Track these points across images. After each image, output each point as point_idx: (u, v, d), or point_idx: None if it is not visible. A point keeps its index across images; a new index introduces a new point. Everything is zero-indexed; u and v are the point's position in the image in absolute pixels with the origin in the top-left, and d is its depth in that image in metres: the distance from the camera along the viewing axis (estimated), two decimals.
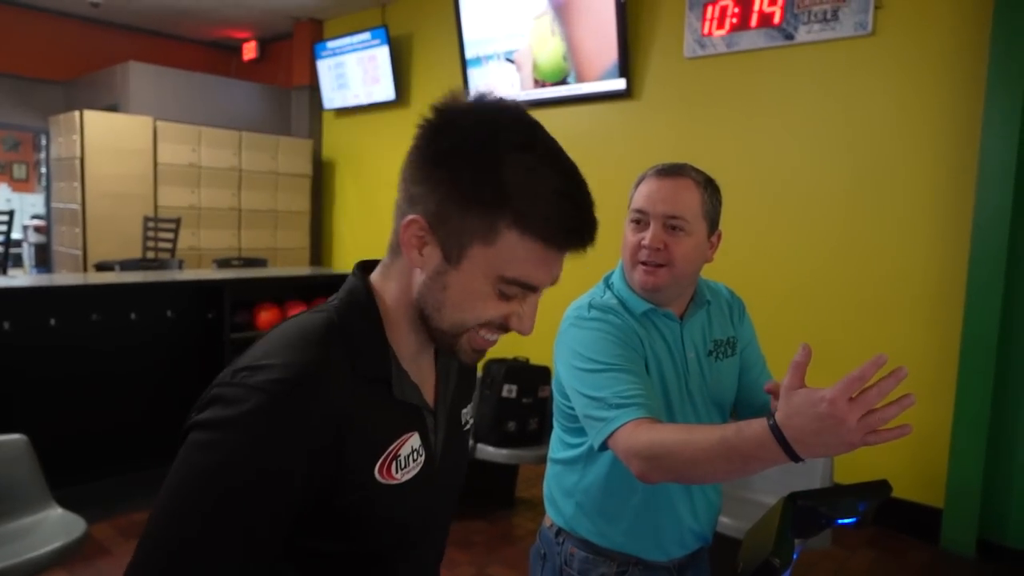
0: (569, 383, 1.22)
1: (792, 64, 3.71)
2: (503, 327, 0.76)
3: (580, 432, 1.28)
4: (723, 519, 2.48)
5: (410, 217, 0.73)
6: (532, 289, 0.74)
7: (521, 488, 3.61)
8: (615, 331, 1.23)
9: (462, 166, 0.70)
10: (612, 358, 1.18)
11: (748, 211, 3.79)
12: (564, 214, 0.71)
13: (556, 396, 1.35)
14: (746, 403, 1.41)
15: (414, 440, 0.79)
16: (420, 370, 0.82)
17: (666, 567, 1.34)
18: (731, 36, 3.87)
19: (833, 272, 3.60)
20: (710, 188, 1.27)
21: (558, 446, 1.37)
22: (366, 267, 0.83)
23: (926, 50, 3.30)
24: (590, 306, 1.28)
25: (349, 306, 0.78)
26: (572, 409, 1.26)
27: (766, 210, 3.81)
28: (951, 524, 3.20)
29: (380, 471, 0.75)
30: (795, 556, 1.22)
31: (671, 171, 1.26)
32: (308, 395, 0.68)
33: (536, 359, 3.54)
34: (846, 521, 1.31)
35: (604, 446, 1.13)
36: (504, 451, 3.25)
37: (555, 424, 1.38)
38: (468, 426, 0.96)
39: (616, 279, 1.34)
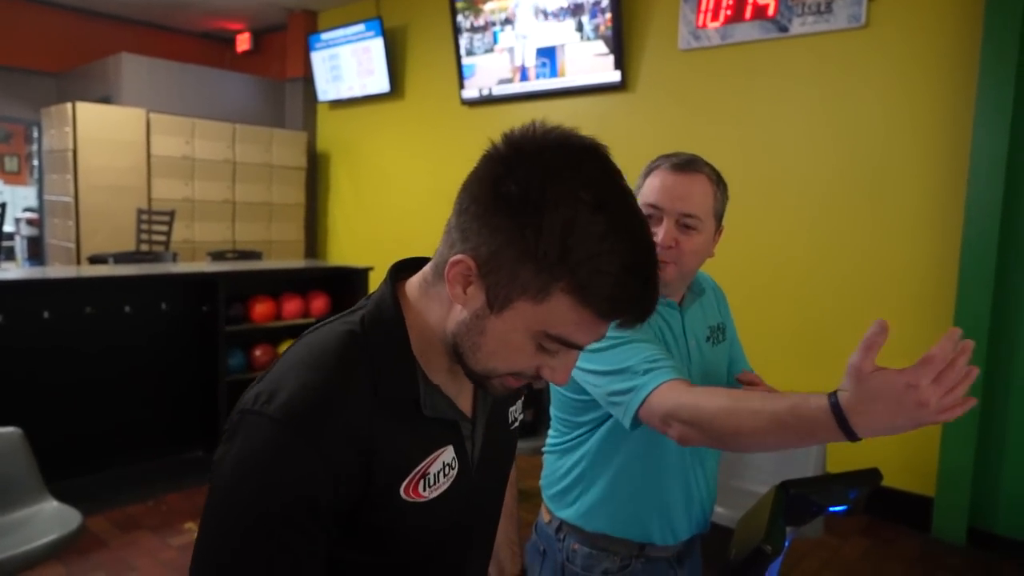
0: (583, 367, 1.18)
1: (786, 56, 3.72)
2: (535, 376, 0.74)
3: (581, 416, 1.27)
4: (716, 508, 2.50)
5: (458, 256, 0.69)
6: (574, 347, 0.71)
7: (516, 478, 3.62)
8: (627, 334, 1.20)
9: (527, 220, 0.65)
10: (628, 332, 1.14)
11: (741, 203, 3.79)
12: (627, 292, 0.66)
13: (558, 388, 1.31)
14: None
15: (446, 455, 0.78)
16: (456, 379, 0.79)
17: (667, 559, 1.34)
18: (725, 28, 3.87)
19: (825, 263, 3.61)
20: (721, 185, 1.27)
21: (556, 439, 1.36)
22: (402, 268, 0.81)
23: (919, 42, 3.31)
24: None
25: (375, 321, 0.75)
26: (578, 396, 1.25)
27: (759, 202, 3.82)
28: (942, 512, 3.23)
29: (407, 491, 0.74)
30: (787, 544, 1.23)
31: (686, 166, 1.23)
32: (323, 421, 0.68)
33: None
34: (837, 509, 1.32)
35: (637, 420, 1.08)
36: None
37: (553, 418, 1.36)
38: (516, 423, 0.93)
39: None
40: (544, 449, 1.40)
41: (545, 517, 1.37)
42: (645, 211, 1.21)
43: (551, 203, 0.64)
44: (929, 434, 3.27)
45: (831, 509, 1.33)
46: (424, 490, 0.75)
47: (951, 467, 3.19)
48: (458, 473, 0.79)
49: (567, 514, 1.31)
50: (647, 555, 1.31)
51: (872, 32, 3.42)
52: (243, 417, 0.69)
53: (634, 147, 4.37)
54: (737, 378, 1.20)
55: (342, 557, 0.75)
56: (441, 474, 0.77)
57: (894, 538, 3.25)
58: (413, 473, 0.74)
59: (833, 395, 0.84)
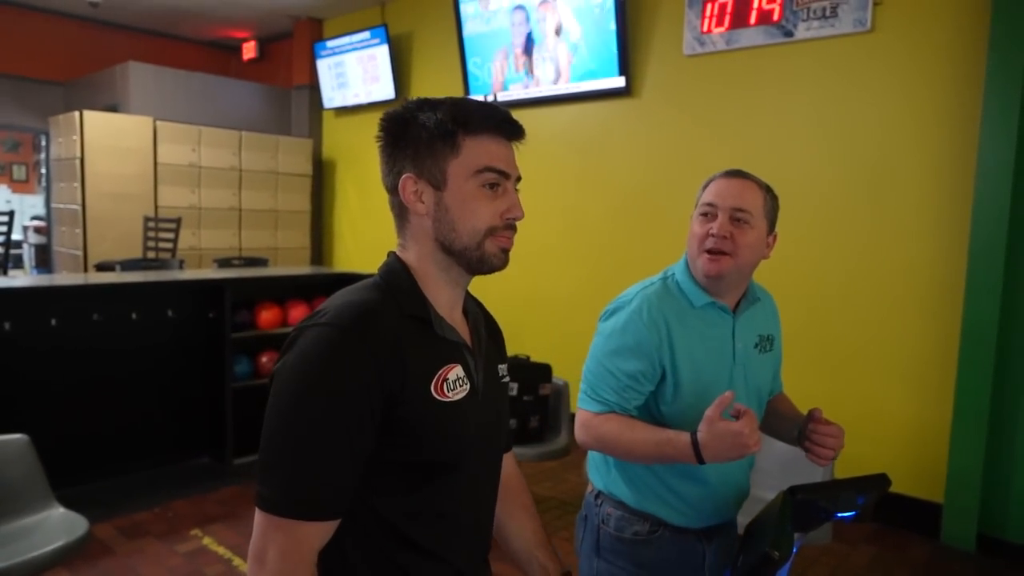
0: (596, 345, 1.44)
1: (791, 61, 3.72)
2: (508, 224, 0.97)
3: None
4: None
5: (403, 176, 0.96)
6: (503, 174, 0.96)
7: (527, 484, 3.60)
8: (632, 337, 1.37)
9: (424, 123, 0.95)
10: (608, 355, 1.39)
11: None
12: (493, 113, 0.96)
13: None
14: None
15: (458, 370, 0.97)
16: (454, 319, 1.01)
17: (694, 531, 1.43)
18: (730, 33, 3.88)
19: (833, 268, 3.60)
20: (770, 193, 1.43)
21: None
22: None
23: (925, 46, 3.30)
24: (642, 291, 1.42)
25: (389, 272, 0.99)
26: None
27: None
28: (951, 519, 3.20)
29: (435, 389, 0.93)
30: (794, 550, 1.23)
31: (737, 173, 1.42)
32: (367, 323, 0.89)
33: (537, 357, 3.54)
34: (845, 515, 1.31)
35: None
36: None
37: None
38: (505, 380, 1.12)
39: (679, 273, 1.45)
40: None
41: (588, 487, 1.54)
42: (702, 210, 1.40)
43: (412, 109, 0.97)
44: (938, 440, 3.24)
45: (839, 515, 1.32)
46: (448, 391, 0.94)
47: (960, 472, 3.16)
48: (469, 389, 0.98)
49: (603, 483, 1.48)
50: (673, 526, 1.42)
51: (878, 37, 3.42)
52: (299, 332, 0.89)
53: (639, 152, 4.39)
54: (815, 417, 1.42)
55: (381, 457, 0.90)
56: (457, 383, 0.96)
57: (903, 544, 3.23)
58: (437, 376, 0.94)
59: (694, 434, 1.24)
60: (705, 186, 1.44)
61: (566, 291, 4.75)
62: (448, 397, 0.94)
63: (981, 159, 3.08)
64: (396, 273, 0.98)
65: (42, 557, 2.04)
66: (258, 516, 0.86)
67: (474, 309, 1.09)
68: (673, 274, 1.45)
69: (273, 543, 0.84)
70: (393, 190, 0.98)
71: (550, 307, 4.83)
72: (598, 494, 1.49)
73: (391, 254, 1.02)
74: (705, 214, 1.39)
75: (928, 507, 3.28)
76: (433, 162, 0.94)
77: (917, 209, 3.34)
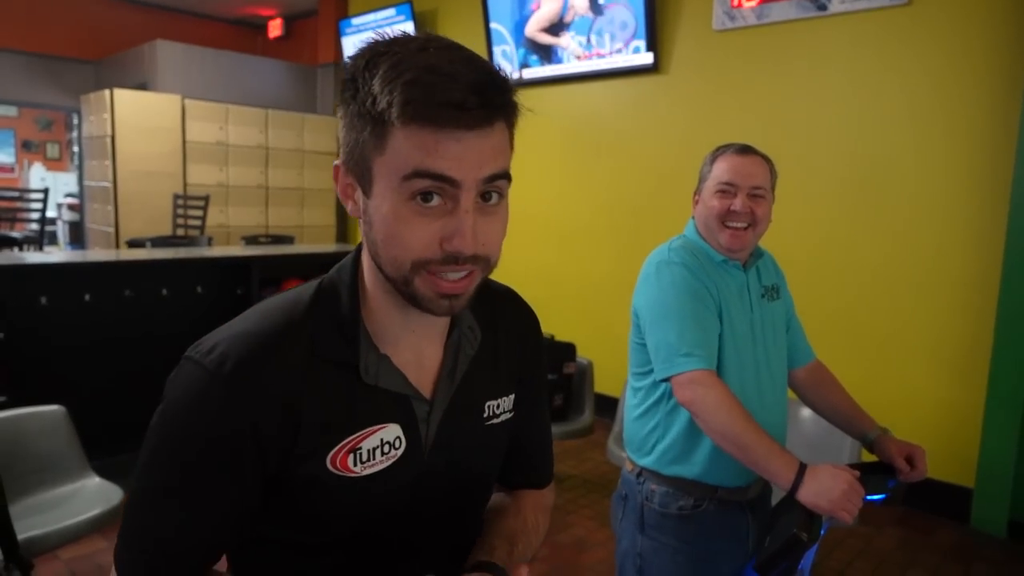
0: (644, 320, 1.46)
1: (825, 35, 3.62)
2: (449, 256, 0.66)
3: (650, 372, 1.45)
4: None
5: (334, 165, 0.72)
6: (446, 181, 0.64)
7: (549, 503, 3.61)
8: (692, 280, 1.42)
9: (345, 95, 0.67)
10: (684, 307, 1.40)
11: (781, 188, 3.72)
12: (440, 88, 0.62)
13: (632, 336, 1.53)
14: (787, 360, 1.61)
15: (388, 432, 0.74)
16: (417, 354, 0.77)
17: (739, 503, 1.48)
18: (762, 7, 3.78)
19: (866, 251, 3.53)
20: (772, 164, 1.57)
21: (633, 398, 1.55)
22: None
23: (965, 20, 3.19)
24: (669, 249, 1.49)
25: (332, 284, 0.76)
26: (642, 341, 1.47)
27: (798, 187, 3.74)
28: (982, 504, 3.16)
29: (333, 462, 0.71)
30: (822, 532, 1.22)
31: (747, 150, 1.53)
32: (251, 373, 0.68)
33: (561, 336, 3.54)
34: (875, 497, 1.30)
35: (663, 380, 1.39)
36: None
37: (629, 377, 1.57)
38: (498, 420, 0.85)
39: (690, 235, 1.54)
40: (625, 412, 1.59)
41: (628, 467, 1.56)
42: (720, 188, 1.48)
43: (353, 73, 0.66)
44: (970, 425, 3.19)
45: (868, 498, 1.30)
46: (355, 465, 0.72)
47: (992, 457, 3.11)
48: (404, 455, 0.75)
49: (646, 461, 1.49)
50: (720, 497, 1.45)
51: (916, 10, 3.31)
52: (182, 362, 0.72)
53: (667, 130, 4.33)
54: (902, 456, 1.43)
55: (266, 535, 0.75)
56: (378, 451, 0.73)
57: (931, 529, 3.19)
58: (342, 444, 0.72)
59: (804, 465, 1.25)
60: (713, 160, 1.52)
61: (592, 270, 4.73)
62: (354, 472, 0.72)
63: (1022, 139, 2.98)
64: (339, 291, 0.75)
65: (79, 524, 2.10)
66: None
67: (467, 325, 0.81)
68: (684, 237, 1.54)
69: None
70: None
71: (575, 286, 4.81)
72: (640, 472, 1.51)
73: (355, 249, 0.78)
74: (724, 191, 1.48)
75: (958, 491, 3.24)
76: (360, 154, 0.67)
77: (953, 190, 3.25)
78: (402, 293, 0.70)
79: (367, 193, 0.68)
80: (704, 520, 1.45)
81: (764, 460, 1.27)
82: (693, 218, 1.56)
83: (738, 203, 1.46)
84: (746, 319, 1.48)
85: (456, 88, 0.62)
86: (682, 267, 1.43)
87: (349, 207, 0.72)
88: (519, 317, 0.92)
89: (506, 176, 0.68)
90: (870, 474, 1.32)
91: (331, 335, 0.72)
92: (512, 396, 0.87)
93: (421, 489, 0.78)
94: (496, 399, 0.85)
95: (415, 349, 0.77)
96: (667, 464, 1.46)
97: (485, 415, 0.84)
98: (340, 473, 0.72)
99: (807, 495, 1.21)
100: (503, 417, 0.86)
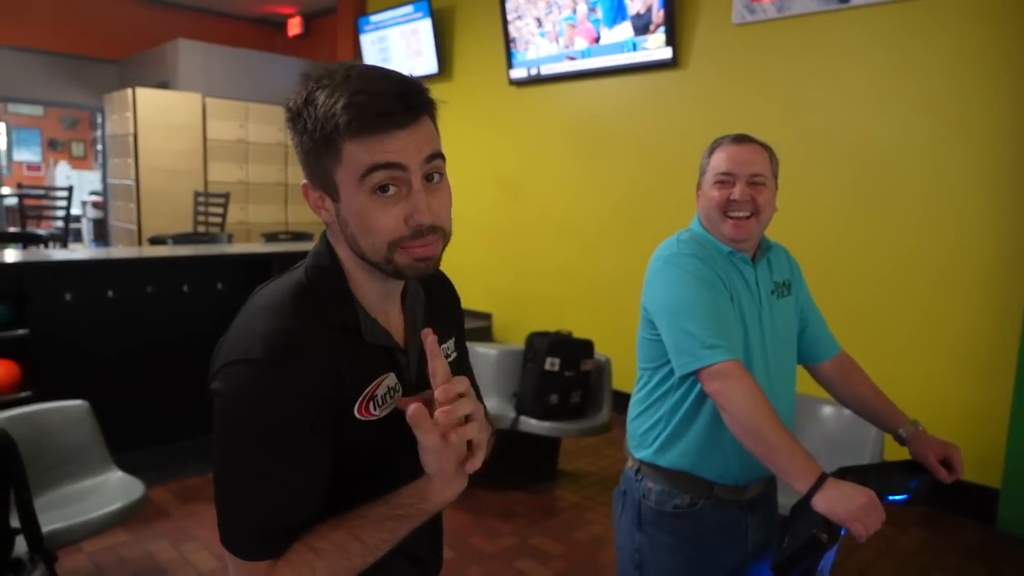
0: (660, 314, 1.42)
1: (847, 28, 3.57)
2: (416, 230, 0.81)
3: (659, 360, 1.45)
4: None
5: (302, 186, 0.88)
6: (396, 167, 0.79)
7: (563, 461, 3.62)
8: (705, 269, 1.40)
9: (296, 127, 0.82)
10: (702, 297, 1.37)
11: (800, 182, 3.69)
12: (375, 103, 0.78)
13: (641, 331, 1.51)
14: (810, 354, 1.61)
15: (390, 379, 0.88)
16: (388, 317, 0.92)
17: (736, 502, 1.45)
18: (781, 0, 3.74)
19: (887, 245, 3.48)
20: (771, 151, 1.51)
21: (640, 392, 1.53)
22: None
23: (991, 10, 3.13)
24: (678, 242, 1.47)
25: (316, 268, 0.88)
26: (653, 336, 1.45)
27: (818, 181, 3.70)
28: (1008, 504, 3.10)
29: (359, 410, 0.85)
30: (842, 532, 1.20)
31: (743, 138, 1.49)
32: (299, 353, 0.80)
33: (579, 333, 3.53)
34: (897, 498, 1.28)
35: (689, 375, 1.36)
36: (547, 424, 3.26)
37: (638, 371, 1.54)
38: (452, 357, 1.03)
39: (696, 229, 1.52)
40: (630, 408, 1.57)
41: (628, 463, 1.56)
42: (718, 179, 1.46)
43: (297, 105, 0.81)
44: (996, 424, 3.13)
45: (890, 498, 1.28)
46: (375, 409, 0.86)
47: (1019, 456, 3.05)
48: (402, 396, 0.89)
49: (645, 454, 1.48)
50: (716, 496, 1.43)
51: (936, 3, 3.25)
52: (229, 368, 0.80)
53: (686, 126, 4.29)
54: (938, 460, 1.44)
55: None
56: (387, 396, 0.88)
57: (954, 529, 3.14)
58: (363, 395, 0.85)
59: (825, 475, 1.21)
60: (711, 151, 1.50)
61: (609, 267, 4.71)
62: (374, 415, 0.86)
63: None
64: (325, 273, 0.88)
65: (102, 518, 2.13)
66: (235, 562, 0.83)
67: (413, 289, 0.98)
68: (691, 230, 1.52)
69: None
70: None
71: (593, 283, 4.79)
72: (639, 468, 1.50)
73: (323, 240, 0.91)
74: (722, 182, 1.45)
75: (983, 491, 3.18)
76: (322, 171, 0.82)
77: (973, 185, 3.19)
78: (384, 270, 0.84)
79: (335, 199, 0.83)
80: (700, 518, 1.43)
81: (786, 460, 1.24)
82: (697, 213, 1.54)
83: (737, 191, 1.43)
84: (755, 315, 1.46)
85: (382, 101, 0.78)
86: (693, 257, 1.41)
87: (323, 216, 0.86)
88: (442, 281, 1.08)
89: (440, 156, 0.83)
90: (890, 473, 1.30)
91: (336, 307, 0.86)
92: (453, 340, 1.05)
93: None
94: (444, 343, 1.01)
95: (388, 312, 0.93)
96: (663, 455, 1.46)
97: (447, 354, 1.01)
98: (364, 419, 0.86)
99: (823, 502, 1.18)
100: (452, 357, 1.03)
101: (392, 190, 0.80)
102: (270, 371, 0.78)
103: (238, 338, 0.82)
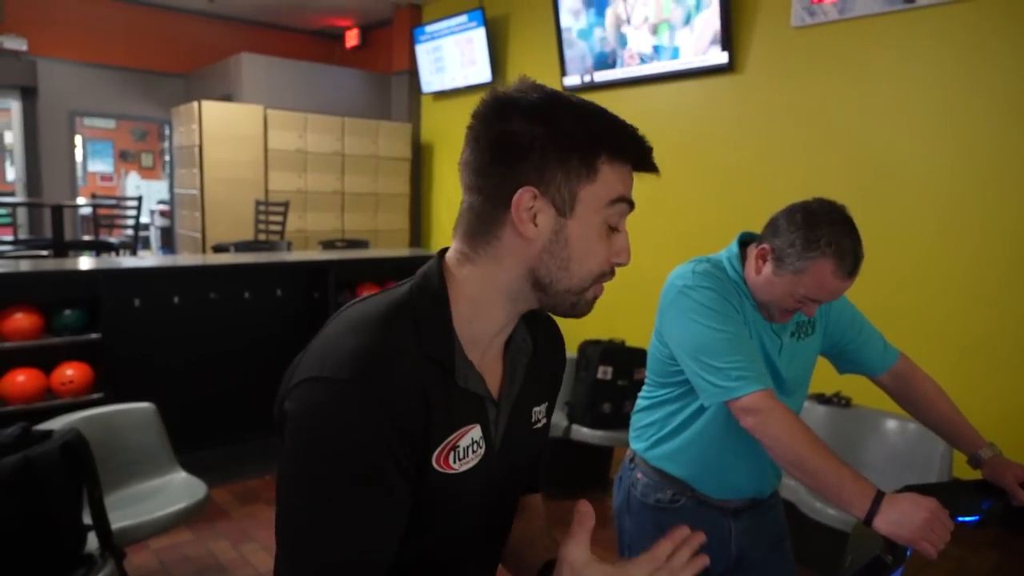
0: (681, 351, 1.38)
1: (912, 30, 3.44)
2: (612, 269, 0.80)
3: (670, 378, 1.45)
4: (818, 505, 2.38)
5: (520, 191, 0.74)
6: (629, 204, 0.79)
7: (615, 469, 3.57)
8: (720, 301, 1.37)
9: (560, 123, 0.75)
10: (720, 330, 1.33)
11: (860, 189, 3.57)
12: (636, 140, 0.78)
13: (652, 345, 1.50)
14: (866, 369, 1.56)
15: (475, 432, 0.80)
16: (487, 362, 0.83)
17: (719, 506, 1.47)
18: (843, 2, 3.64)
19: (952, 252, 3.34)
20: None
21: (646, 395, 1.56)
22: (448, 249, 0.84)
23: None
24: (693, 273, 1.43)
25: (421, 290, 0.79)
26: (671, 361, 1.43)
27: (879, 188, 3.57)
28: None
29: (437, 460, 0.76)
30: (908, 553, 1.15)
31: (855, 271, 1.37)
32: (387, 374, 0.71)
33: (632, 342, 3.49)
34: (967, 519, 1.22)
35: (719, 406, 1.35)
36: (599, 433, 3.23)
37: (647, 378, 1.55)
38: (539, 425, 0.93)
39: (722, 260, 1.47)
40: (636, 400, 1.60)
41: (627, 451, 1.61)
42: (810, 294, 1.35)
43: (547, 119, 0.75)
44: None
45: (959, 519, 1.23)
46: (455, 462, 0.78)
47: None
48: (484, 453, 0.81)
49: (639, 447, 1.54)
50: (697, 497, 1.47)
51: (1009, 1, 3.11)
52: (307, 385, 0.72)
53: (742, 133, 4.21)
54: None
55: None
56: (470, 449, 0.79)
57: None
58: (445, 442, 0.76)
59: (882, 493, 1.16)
60: (817, 256, 1.31)
61: (661, 275, 4.62)
62: (453, 469, 0.77)
63: None
64: (430, 297, 0.78)
65: (167, 517, 2.20)
66: None
67: (521, 337, 0.88)
68: (711, 262, 1.46)
69: None
70: (492, 196, 0.76)
71: (647, 291, 4.72)
72: (632, 457, 1.56)
73: (439, 258, 0.82)
74: (806, 297, 1.35)
75: None
76: (564, 181, 0.75)
77: None
78: (563, 301, 0.79)
79: (565, 215, 0.76)
80: (682, 515, 1.45)
81: (836, 488, 1.19)
82: (742, 259, 1.45)
83: (811, 311, 1.39)
84: (774, 352, 1.44)
85: (644, 141, 0.78)
86: (708, 290, 1.37)
87: (525, 228, 0.75)
88: (551, 332, 0.98)
89: None
90: (960, 493, 1.24)
91: (434, 335, 0.77)
92: (546, 404, 0.94)
93: (488, 490, 0.84)
94: (539, 405, 0.92)
95: (488, 357, 0.83)
96: (653, 453, 1.50)
97: (532, 420, 0.91)
98: (442, 470, 0.77)
99: (884, 524, 1.13)
100: (542, 423, 0.94)
101: (620, 225, 0.79)
102: (352, 391, 0.69)
103: (318, 355, 0.74)
